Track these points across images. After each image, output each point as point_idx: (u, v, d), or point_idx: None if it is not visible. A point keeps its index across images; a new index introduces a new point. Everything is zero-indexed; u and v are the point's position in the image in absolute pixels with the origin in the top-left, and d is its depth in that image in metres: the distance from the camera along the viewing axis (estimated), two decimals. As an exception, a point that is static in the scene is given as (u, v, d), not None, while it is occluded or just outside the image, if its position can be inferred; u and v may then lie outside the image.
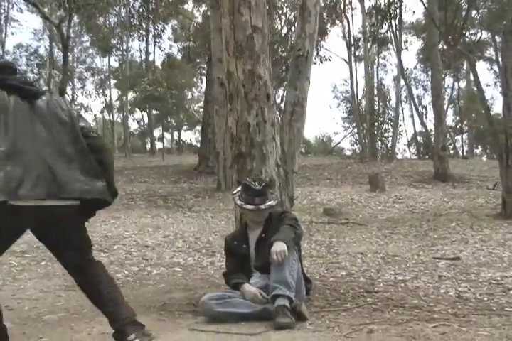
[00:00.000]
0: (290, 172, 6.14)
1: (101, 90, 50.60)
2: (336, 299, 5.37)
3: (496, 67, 40.96)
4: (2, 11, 40.96)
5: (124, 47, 41.92)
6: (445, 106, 33.28)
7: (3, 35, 41.10)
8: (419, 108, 43.28)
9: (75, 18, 33.00)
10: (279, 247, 4.46)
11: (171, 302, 5.36)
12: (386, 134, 33.79)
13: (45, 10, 30.00)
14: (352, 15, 40.51)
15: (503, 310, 4.83)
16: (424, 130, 36.70)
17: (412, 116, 45.79)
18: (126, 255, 8.98)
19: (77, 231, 3.72)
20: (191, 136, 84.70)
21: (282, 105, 7.05)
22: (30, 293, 6.04)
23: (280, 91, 32.76)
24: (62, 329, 4.41)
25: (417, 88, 46.99)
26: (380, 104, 35.33)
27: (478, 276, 6.63)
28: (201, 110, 36.10)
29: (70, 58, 41.15)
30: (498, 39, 38.13)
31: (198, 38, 30.83)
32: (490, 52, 44.32)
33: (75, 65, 46.93)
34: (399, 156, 37.56)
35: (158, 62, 44.48)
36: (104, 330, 4.22)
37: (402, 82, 37.21)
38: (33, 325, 4.56)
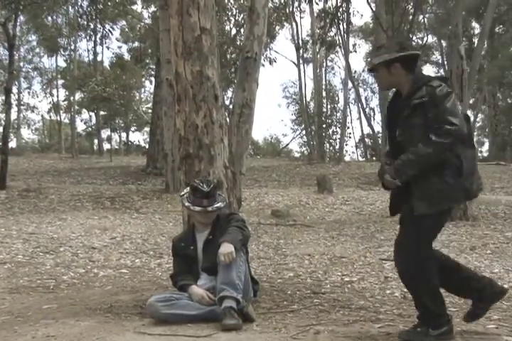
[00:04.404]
0: (238, 173, 6.15)
1: (48, 90, 49.93)
2: (283, 300, 5.40)
3: (442, 71, 41.67)
4: None
5: (72, 47, 41.37)
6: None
7: None
8: (367, 110, 43.81)
9: (22, 17, 32.47)
10: (226, 249, 4.47)
11: (117, 305, 5.31)
12: (334, 136, 34.14)
13: (-10, 8, 29.45)
14: (301, 18, 40.79)
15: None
16: (371, 132, 37.07)
17: (359, 118, 46.19)
18: (72, 257, 8.87)
19: None
20: (139, 137, 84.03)
21: (231, 106, 7.06)
22: (-27, 297, 5.92)
23: (229, 93, 32.78)
24: (6, 332, 4.33)
25: (365, 90, 47.55)
26: (329, 106, 35.59)
27: (422, 277, 6.72)
28: (150, 111, 35.83)
29: (16, 57, 40.43)
30: (444, 43, 38.92)
31: (147, 39, 30.66)
32: (436, 56, 45.24)
33: (21, 64, 46.17)
34: (347, 158, 37.85)
35: (106, 63, 44.13)
36: (48, 333, 4.17)
37: (350, 85, 37.55)
38: (-25, 329, 4.47)
